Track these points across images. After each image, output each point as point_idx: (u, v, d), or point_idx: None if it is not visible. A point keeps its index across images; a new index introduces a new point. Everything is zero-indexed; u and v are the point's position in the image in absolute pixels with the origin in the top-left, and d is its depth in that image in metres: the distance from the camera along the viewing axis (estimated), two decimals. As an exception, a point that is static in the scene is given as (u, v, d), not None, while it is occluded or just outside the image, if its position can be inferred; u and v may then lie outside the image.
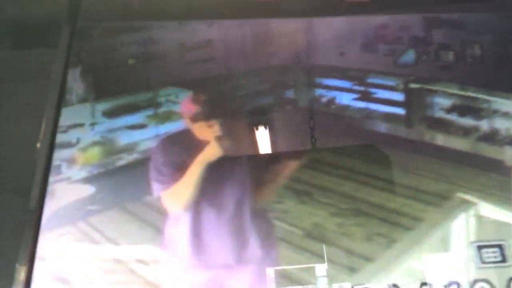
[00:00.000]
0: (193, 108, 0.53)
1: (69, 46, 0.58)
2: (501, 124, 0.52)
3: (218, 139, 0.51)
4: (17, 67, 0.61)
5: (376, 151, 0.51)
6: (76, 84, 0.55)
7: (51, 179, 0.49)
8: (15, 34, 0.60)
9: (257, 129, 0.53)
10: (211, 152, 0.50)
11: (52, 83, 0.55)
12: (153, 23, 0.60)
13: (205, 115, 0.53)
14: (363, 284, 0.43)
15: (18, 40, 0.61)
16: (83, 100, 0.54)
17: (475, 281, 0.43)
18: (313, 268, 0.44)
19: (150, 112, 0.53)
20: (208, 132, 0.51)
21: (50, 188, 0.48)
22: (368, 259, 0.44)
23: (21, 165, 0.51)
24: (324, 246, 0.44)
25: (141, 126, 0.52)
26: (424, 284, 0.43)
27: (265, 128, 0.53)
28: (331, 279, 0.43)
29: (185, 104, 0.54)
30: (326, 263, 0.44)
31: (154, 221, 0.46)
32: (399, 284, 0.43)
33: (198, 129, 0.52)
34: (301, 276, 0.44)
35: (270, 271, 0.43)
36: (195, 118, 0.52)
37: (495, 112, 0.53)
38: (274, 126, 0.53)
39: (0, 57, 0.62)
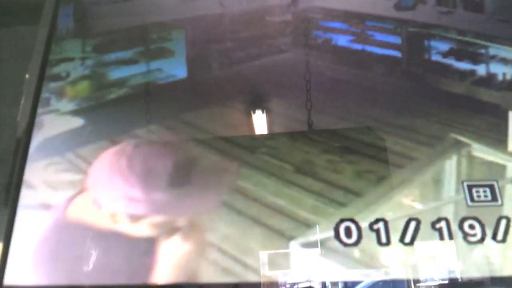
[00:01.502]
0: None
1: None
2: (498, 69, 0.51)
3: None
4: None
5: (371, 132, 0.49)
6: (68, 19, 0.54)
7: (40, 110, 0.48)
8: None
9: (254, 113, 0.51)
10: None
11: (42, 18, 0.53)
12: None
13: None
14: (351, 216, 0.43)
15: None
16: (74, 35, 0.53)
17: (464, 219, 0.43)
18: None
19: (141, 48, 0.52)
20: None
21: (38, 119, 0.48)
22: (356, 194, 0.44)
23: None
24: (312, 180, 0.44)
25: (132, 62, 0.51)
26: (412, 219, 0.43)
27: (262, 112, 0.51)
28: (319, 212, 0.43)
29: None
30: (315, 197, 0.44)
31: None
32: (387, 218, 0.43)
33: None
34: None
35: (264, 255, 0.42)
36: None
37: (492, 58, 0.52)
38: (271, 110, 0.51)
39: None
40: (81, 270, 0.40)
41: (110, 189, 0.44)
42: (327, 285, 0.43)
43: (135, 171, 0.44)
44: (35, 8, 0.57)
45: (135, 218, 0.42)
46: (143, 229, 0.41)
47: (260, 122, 0.50)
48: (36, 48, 0.52)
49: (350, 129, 0.48)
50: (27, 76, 0.49)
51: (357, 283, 0.43)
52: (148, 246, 0.41)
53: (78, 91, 0.50)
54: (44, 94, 0.49)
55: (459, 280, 0.42)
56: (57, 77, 0.50)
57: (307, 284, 0.43)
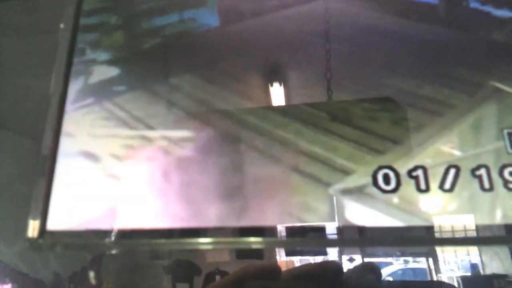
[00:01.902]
0: None
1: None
2: (541, 16, 0.50)
3: None
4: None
5: (393, 104, 0.48)
6: None
7: (76, 60, 0.48)
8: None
9: (271, 85, 0.50)
10: None
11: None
12: None
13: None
14: (390, 164, 0.43)
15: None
16: (105, -13, 0.52)
17: (504, 166, 0.43)
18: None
19: (173, -3, 0.51)
20: None
21: (74, 68, 0.48)
22: (394, 141, 0.44)
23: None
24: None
25: (165, 11, 0.51)
26: (452, 166, 0.43)
27: (280, 85, 0.50)
28: (357, 160, 0.43)
29: None
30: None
31: (180, 102, 0.46)
32: (426, 165, 0.43)
33: None
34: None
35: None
36: None
37: (535, 4, 0.50)
38: (289, 81, 0.50)
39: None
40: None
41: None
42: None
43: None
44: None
45: None
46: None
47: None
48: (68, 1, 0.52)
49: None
50: (61, 26, 0.49)
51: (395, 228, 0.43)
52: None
53: (113, 41, 0.49)
54: (79, 45, 0.49)
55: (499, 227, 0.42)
56: (91, 27, 0.50)
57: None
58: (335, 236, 0.43)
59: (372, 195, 0.42)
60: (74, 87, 0.47)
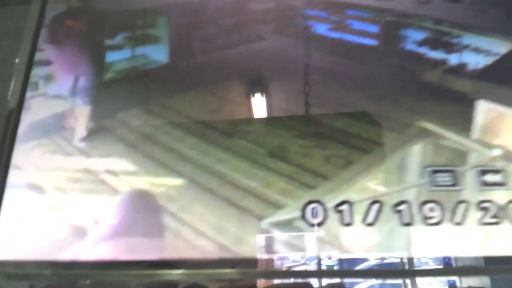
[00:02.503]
0: None
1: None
2: (470, 59, 0.53)
3: None
4: None
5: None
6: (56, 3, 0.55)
7: (28, 94, 0.51)
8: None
9: (253, 96, 0.53)
10: None
11: (31, 8, 0.55)
12: None
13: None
14: (318, 198, 0.46)
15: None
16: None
17: (425, 202, 0.46)
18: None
19: (127, 33, 0.54)
20: None
21: (26, 103, 0.50)
22: (325, 177, 0.47)
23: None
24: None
25: (118, 48, 0.53)
26: (375, 201, 0.46)
27: (262, 95, 0.53)
28: (289, 195, 0.46)
29: None
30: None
31: (125, 137, 0.49)
32: (351, 200, 0.46)
33: None
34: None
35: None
36: None
37: (466, 47, 0.54)
38: (270, 92, 0.53)
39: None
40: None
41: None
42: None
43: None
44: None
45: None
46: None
47: (242, 107, 0.52)
48: (25, 33, 0.54)
49: (325, 115, 0.51)
50: (16, 60, 0.51)
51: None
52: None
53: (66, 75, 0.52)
54: (33, 79, 0.51)
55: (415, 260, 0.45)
56: (45, 62, 0.52)
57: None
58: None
59: (300, 228, 0.45)
60: (26, 120, 0.50)
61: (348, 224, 0.46)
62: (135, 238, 0.43)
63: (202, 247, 0.44)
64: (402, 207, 0.46)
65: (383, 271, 0.52)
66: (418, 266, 0.47)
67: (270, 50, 0.54)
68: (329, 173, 0.47)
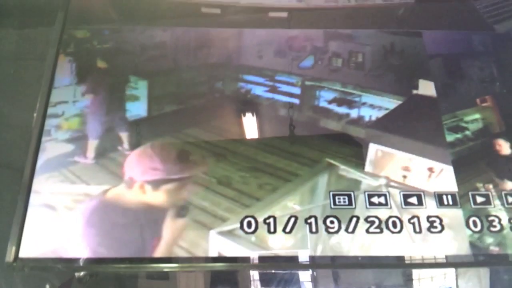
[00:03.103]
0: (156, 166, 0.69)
1: (61, 38, 0.76)
2: (366, 113, 0.73)
3: (182, 210, 0.66)
4: (20, 46, 0.79)
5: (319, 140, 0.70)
6: (62, 71, 0.74)
7: (43, 139, 0.69)
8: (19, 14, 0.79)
9: (244, 115, 0.71)
10: (179, 231, 0.64)
11: (46, 70, 0.74)
12: (124, 27, 0.79)
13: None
14: (252, 214, 0.64)
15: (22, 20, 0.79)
16: (68, 83, 0.74)
17: (327, 216, 0.64)
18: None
19: (117, 94, 0.73)
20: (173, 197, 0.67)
21: (42, 145, 0.69)
22: (258, 199, 0.65)
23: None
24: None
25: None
26: (292, 216, 0.64)
27: (253, 115, 0.71)
28: (232, 212, 0.64)
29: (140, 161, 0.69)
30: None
31: (114, 170, 0.67)
32: (276, 215, 0.64)
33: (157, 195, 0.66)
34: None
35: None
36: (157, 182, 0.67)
37: (364, 104, 0.74)
38: (258, 114, 0.71)
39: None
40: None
41: (139, 166, 0.67)
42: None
43: (156, 153, 0.68)
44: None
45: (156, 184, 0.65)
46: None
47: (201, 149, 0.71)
48: (41, 92, 0.73)
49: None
50: (34, 115, 0.70)
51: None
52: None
53: (70, 125, 0.71)
54: (46, 128, 0.70)
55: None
56: (55, 115, 0.71)
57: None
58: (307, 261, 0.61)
59: (239, 235, 0.63)
60: (42, 158, 0.68)
61: (273, 233, 0.64)
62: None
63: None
64: (311, 220, 0.65)
65: (377, 263, 0.62)
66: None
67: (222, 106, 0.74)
68: (261, 196, 0.66)
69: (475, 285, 0.64)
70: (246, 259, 0.62)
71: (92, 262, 0.61)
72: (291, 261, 0.61)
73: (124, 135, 0.70)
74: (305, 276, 0.64)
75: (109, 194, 0.65)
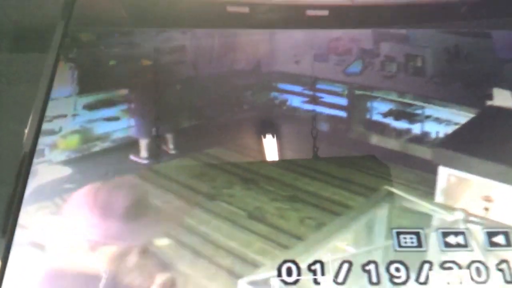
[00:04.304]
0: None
1: (61, 46, 0.66)
2: (431, 128, 0.59)
3: None
4: (12, 70, 0.69)
5: (375, 162, 0.56)
6: (62, 79, 0.63)
7: (35, 160, 0.57)
8: (13, 38, 0.69)
9: (264, 137, 0.59)
10: None
11: (42, 79, 0.63)
12: (134, 30, 0.68)
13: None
14: (293, 258, 0.50)
15: (16, 43, 0.70)
16: (68, 94, 0.62)
17: (391, 262, 0.50)
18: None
19: (124, 107, 0.61)
20: None
21: (33, 168, 0.56)
22: (299, 238, 0.51)
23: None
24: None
25: (116, 119, 0.60)
26: (345, 261, 0.50)
27: (273, 137, 0.58)
28: (266, 254, 0.50)
29: None
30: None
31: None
32: (323, 260, 0.50)
33: None
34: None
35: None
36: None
37: (427, 117, 0.60)
38: (280, 135, 0.59)
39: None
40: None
41: (78, 218, 0.53)
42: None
43: (98, 203, 0.53)
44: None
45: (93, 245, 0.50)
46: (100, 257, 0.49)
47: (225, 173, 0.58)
48: (35, 105, 0.61)
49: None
50: (26, 130, 0.58)
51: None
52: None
53: (68, 144, 0.58)
54: (40, 146, 0.57)
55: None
56: (51, 132, 0.59)
57: None
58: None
59: (276, 286, 0.49)
60: (32, 184, 0.55)
61: (320, 283, 0.49)
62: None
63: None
64: (370, 266, 0.50)
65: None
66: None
67: (250, 121, 0.61)
68: (303, 234, 0.52)
69: None
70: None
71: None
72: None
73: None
74: None
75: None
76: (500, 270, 0.49)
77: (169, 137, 0.59)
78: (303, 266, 0.50)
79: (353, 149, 0.58)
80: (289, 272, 0.50)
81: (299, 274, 0.49)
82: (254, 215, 0.53)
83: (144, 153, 0.57)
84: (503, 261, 0.50)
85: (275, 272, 0.50)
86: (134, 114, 0.60)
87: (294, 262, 0.50)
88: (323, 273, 0.49)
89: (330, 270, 0.49)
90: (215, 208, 0.54)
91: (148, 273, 0.48)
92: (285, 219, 0.53)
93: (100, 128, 0.59)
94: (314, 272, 0.49)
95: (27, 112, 0.60)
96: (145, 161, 0.56)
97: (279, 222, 0.53)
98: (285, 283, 0.49)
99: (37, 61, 0.66)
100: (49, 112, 0.60)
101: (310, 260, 0.50)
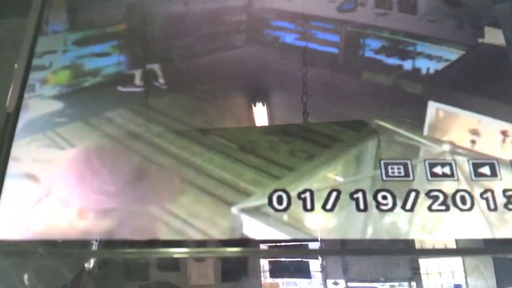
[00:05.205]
0: None
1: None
2: (422, 64, 0.59)
3: None
4: None
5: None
6: (52, 16, 0.62)
7: (26, 95, 0.56)
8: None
9: (255, 105, 0.59)
10: None
11: (30, 15, 0.61)
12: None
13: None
14: (283, 187, 0.51)
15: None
16: (58, 30, 0.61)
17: (378, 190, 0.51)
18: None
19: (114, 42, 0.60)
20: None
21: (24, 103, 0.56)
22: (290, 169, 0.52)
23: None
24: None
25: (106, 54, 0.60)
26: (334, 190, 0.51)
27: (263, 105, 0.58)
28: (256, 184, 0.51)
29: None
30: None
31: (111, 133, 0.54)
32: (313, 189, 0.51)
33: None
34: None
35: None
36: None
37: (419, 54, 0.60)
38: (270, 102, 0.58)
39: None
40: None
41: (80, 186, 0.52)
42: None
43: (105, 167, 0.52)
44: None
45: (101, 211, 0.50)
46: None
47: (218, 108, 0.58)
48: (24, 42, 0.60)
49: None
50: (15, 66, 0.57)
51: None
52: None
53: (59, 79, 0.58)
54: (30, 82, 0.57)
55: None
56: (41, 67, 0.58)
57: None
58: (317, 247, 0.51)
59: (267, 213, 0.50)
60: (24, 118, 0.55)
61: (310, 210, 0.51)
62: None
63: (180, 229, 0.49)
64: (358, 195, 0.52)
65: (387, 250, 0.53)
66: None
67: (244, 57, 0.61)
68: (294, 165, 0.53)
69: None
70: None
71: (84, 246, 0.49)
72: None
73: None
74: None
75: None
76: (485, 198, 0.51)
77: (160, 72, 0.59)
78: (293, 194, 0.51)
79: (345, 86, 0.58)
80: (279, 200, 0.51)
81: (289, 202, 0.51)
82: (246, 147, 0.54)
83: (138, 81, 0.57)
84: (488, 190, 0.52)
85: (266, 200, 0.51)
86: (124, 49, 0.59)
87: (284, 191, 0.52)
88: (312, 201, 0.51)
89: (320, 198, 0.51)
90: (208, 141, 0.54)
91: None
92: (276, 152, 0.54)
93: (91, 64, 0.59)
94: (304, 200, 0.51)
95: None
96: (138, 89, 0.56)
97: (271, 154, 0.53)
98: (276, 210, 0.51)
99: (16, 27, 0.65)
100: (39, 48, 0.59)
101: (300, 189, 0.51)
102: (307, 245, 0.51)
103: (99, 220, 0.49)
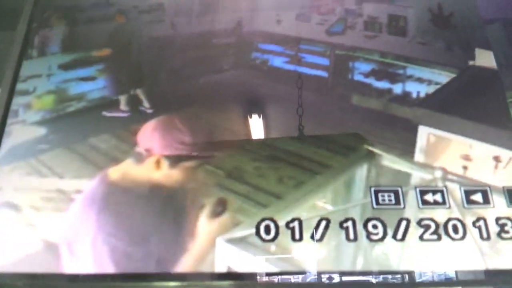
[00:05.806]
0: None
1: (35, 5, 0.63)
2: (413, 88, 0.58)
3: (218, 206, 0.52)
4: None
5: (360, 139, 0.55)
6: (37, 39, 0.61)
7: (9, 121, 0.55)
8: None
9: (250, 117, 0.58)
10: (225, 227, 0.51)
11: (16, 38, 0.61)
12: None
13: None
14: (271, 216, 0.50)
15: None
16: (42, 54, 0.60)
17: (368, 219, 0.50)
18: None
19: (100, 66, 0.59)
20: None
21: (7, 129, 0.55)
22: (278, 197, 0.51)
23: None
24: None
25: (91, 79, 0.59)
26: (323, 219, 0.50)
27: (259, 117, 0.57)
28: (243, 213, 0.50)
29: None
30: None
31: (94, 160, 0.53)
32: (301, 217, 0.50)
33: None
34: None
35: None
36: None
37: (409, 77, 0.59)
38: (266, 114, 0.57)
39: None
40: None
41: (163, 138, 0.54)
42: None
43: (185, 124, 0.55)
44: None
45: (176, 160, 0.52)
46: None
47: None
48: (8, 66, 0.59)
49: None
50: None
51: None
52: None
53: (43, 104, 0.57)
54: (13, 107, 0.56)
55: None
56: (25, 92, 0.57)
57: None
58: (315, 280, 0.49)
59: (254, 244, 0.49)
60: (7, 144, 0.54)
61: (298, 240, 0.49)
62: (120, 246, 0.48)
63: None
64: (347, 224, 0.51)
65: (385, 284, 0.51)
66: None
67: (231, 80, 0.60)
68: (282, 193, 0.52)
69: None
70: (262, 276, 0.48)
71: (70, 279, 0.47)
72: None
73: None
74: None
75: (112, 175, 0.52)
76: (477, 227, 0.50)
77: (146, 96, 0.58)
78: (281, 224, 0.50)
79: (335, 110, 0.57)
80: (267, 230, 0.50)
81: (277, 232, 0.50)
82: (233, 174, 0.53)
83: (123, 106, 0.56)
84: (480, 218, 0.50)
85: (254, 230, 0.50)
86: (110, 73, 0.58)
87: (272, 220, 0.50)
88: (301, 231, 0.49)
89: (308, 227, 0.50)
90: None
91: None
92: (264, 178, 0.53)
93: (76, 88, 0.58)
94: (292, 230, 0.50)
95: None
96: (123, 114, 0.55)
97: (258, 181, 0.52)
98: (263, 240, 0.49)
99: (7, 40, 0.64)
100: (23, 72, 0.59)
101: (289, 218, 0.50)
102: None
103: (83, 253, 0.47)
